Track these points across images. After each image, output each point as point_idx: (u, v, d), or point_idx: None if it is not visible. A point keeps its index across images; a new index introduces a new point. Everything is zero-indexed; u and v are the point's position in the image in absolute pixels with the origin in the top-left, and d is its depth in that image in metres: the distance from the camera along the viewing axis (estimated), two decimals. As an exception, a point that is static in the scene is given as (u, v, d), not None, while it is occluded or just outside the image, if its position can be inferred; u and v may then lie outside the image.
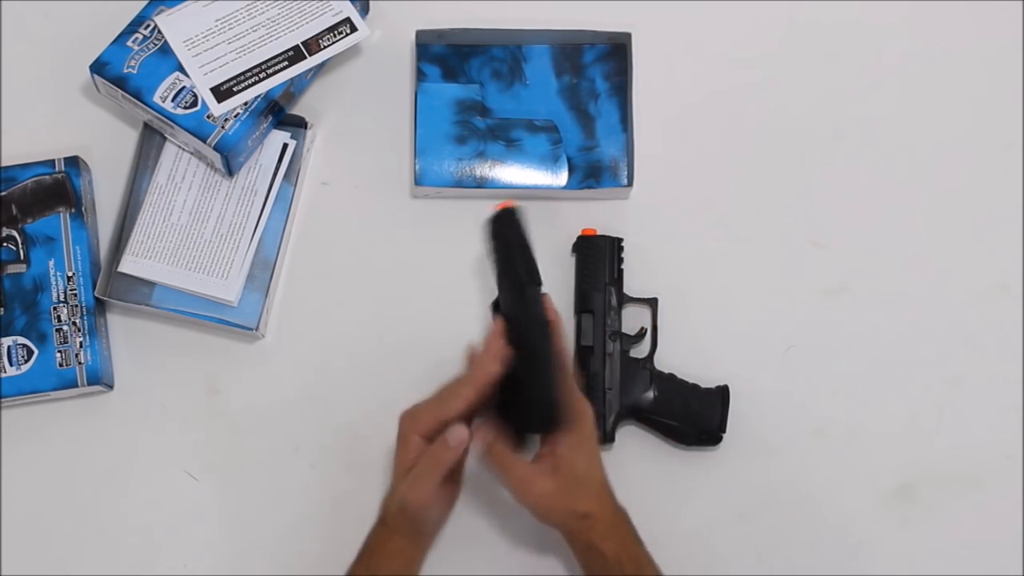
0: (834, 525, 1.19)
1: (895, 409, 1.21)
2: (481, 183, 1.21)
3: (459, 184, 1.21)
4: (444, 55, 1.24)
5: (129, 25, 1.18)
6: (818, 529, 1.19)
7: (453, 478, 1.08)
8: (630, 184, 1.21)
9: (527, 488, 1.05)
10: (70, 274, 1.17)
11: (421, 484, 1.04)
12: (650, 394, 1.17)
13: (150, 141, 1.21)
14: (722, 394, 1.18)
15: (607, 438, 1.17)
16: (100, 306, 1.18)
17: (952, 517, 1.20)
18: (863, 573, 1.18)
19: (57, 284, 1.17)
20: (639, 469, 1.18)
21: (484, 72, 1.23)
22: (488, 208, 1.05)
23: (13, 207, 1.18)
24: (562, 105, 1.23)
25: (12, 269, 1.17)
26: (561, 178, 1.22)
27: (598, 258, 1.19)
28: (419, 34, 1.24)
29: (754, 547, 1.16)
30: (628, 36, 1.24)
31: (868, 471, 1.20)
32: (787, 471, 1.20)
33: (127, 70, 1.17)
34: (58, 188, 1.19)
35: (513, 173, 1.22)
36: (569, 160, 1.22)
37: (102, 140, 1.23)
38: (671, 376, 1.18)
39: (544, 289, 1.09)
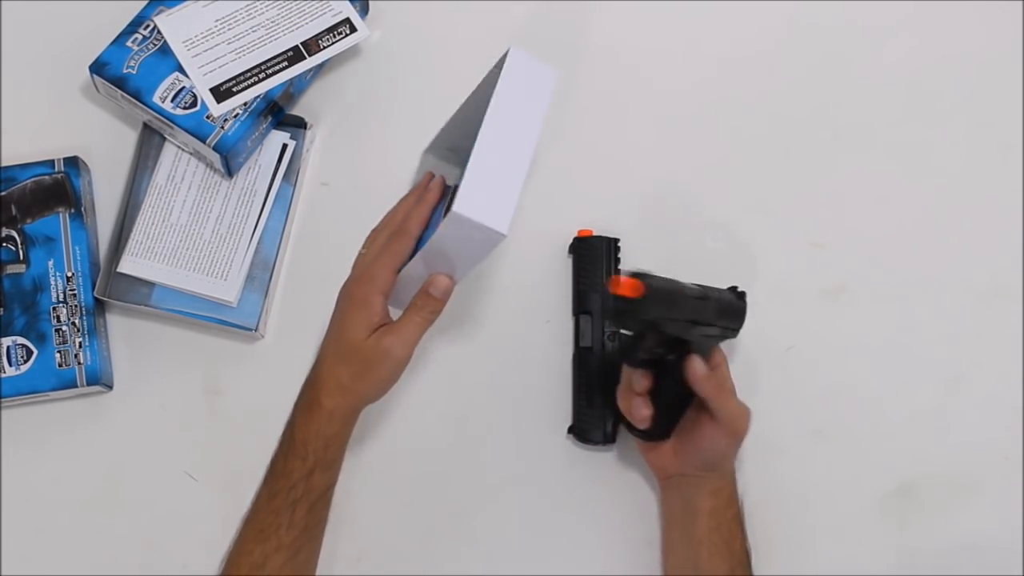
0: (834, 525, 1.19)
1: (895, 409, 1.21)
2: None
3: None
4: None
5: (129, 25, 1.18)
6: (818, 529, 1.19)
7: None
8: None
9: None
10: (69, 274, 1.17)
11: (410, 334, 1.03)
12: (650, 394, 1.17)
13: (150, 141, 1.21)
14: (721, 394, 1.17)
15: (608, 439, 1.16)
16: (100, 306, 1.18)
17: (952, 517, 1.19)
18: (863, 573, 1.18)
19: (56, 284, 1.17)
20: (640, 469, 1.18)
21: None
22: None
23: (13, 207, 1.18)
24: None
25: (11, 269, 1.17)
26: None
27: (595, 259, 1.19)
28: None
29: (754, 547, 1.16)
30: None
31: (868, 471, 1.20)
32: (787, 471, 1.19)
33: (127, 70, 1.17)
34: (58, 188, 1.19)
35: None
36: None
37: (102, 140, 1.23)
38: (670, 376, 1.18)
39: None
